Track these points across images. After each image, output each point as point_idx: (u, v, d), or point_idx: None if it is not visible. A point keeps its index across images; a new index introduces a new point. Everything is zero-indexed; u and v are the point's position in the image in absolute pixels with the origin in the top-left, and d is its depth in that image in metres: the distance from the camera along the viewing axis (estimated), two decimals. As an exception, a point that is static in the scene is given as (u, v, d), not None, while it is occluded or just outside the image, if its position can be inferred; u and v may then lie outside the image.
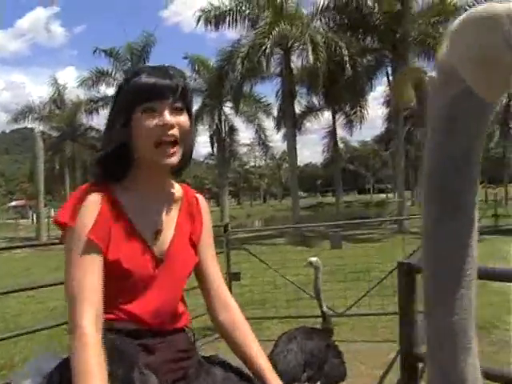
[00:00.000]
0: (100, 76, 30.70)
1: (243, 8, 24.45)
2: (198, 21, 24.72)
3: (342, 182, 36.99)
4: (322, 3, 24.71)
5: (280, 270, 7.72)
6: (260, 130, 32.80)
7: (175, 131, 1.56)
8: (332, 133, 31.24)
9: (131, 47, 30.38)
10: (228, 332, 1.79)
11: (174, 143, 1.57)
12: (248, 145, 60.10)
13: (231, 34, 26.97)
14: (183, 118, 1.60)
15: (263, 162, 66.15)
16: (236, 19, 24.60)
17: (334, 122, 30.66)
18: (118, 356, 1.47)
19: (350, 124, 30.59)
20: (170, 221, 1.72)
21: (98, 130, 35.75)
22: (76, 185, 35.56)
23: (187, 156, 1.68)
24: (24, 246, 8.57)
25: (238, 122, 33.09)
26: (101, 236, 1.55)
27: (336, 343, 3.93)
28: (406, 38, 23.53)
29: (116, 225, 1.60)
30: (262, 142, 33.74)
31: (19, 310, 8.84)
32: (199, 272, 1.83)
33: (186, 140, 1.62)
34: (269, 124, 32.21)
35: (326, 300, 6.69)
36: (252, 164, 78.95)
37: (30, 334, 5.53)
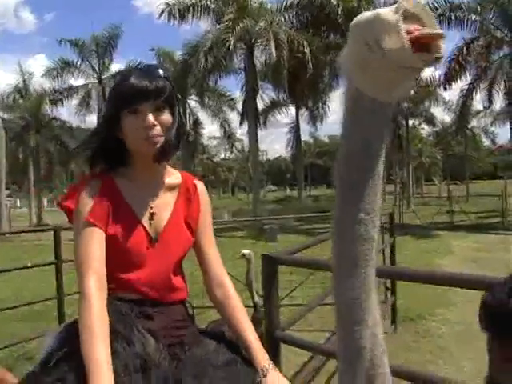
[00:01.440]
0: (65, 66, 30.43)
1: (207, 2, 24.56)
2: (161, 14, 24.72)
3: (311, 176, 37.19)
4: (285, 0, 25.07)
5: (228, 263, 7.98)
6: (225, 124, 33.03)
7: (157, 129, 1.75)
8: (295, 128, 31.50)
9: (97, 38, 30.26)
10: (221, 307, 1.94)
11: (159, 137, 1.76)
12: (218, 138, 60.06)
13: (205, 26, 26.95)
14: (165, 116, 1.77)
15: (233, 155, 66.17)
16: (200, 13, 24.73)
17: (297, 118, 31.06)
18: (120, 317, 1.67)
19: (313, 119, 30.99)
20: (166, 205, 1.90)
21: (63, 121, 35.60)
22: (40, 175, 35.15)
23: (169, 146, 1.80)
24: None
25: (205, 116, 33.21)
26: (99, 216, 1.75)
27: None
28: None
29: (114, 207, 1.80)
30: (228, 135, 33.99)
31: (-31, 299, 8.93)
32: (198, 253, 2.00)
33: (168, 133, 1.78)
34: (235, 117, 32.42)
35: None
36: (222, 157, 78.93)
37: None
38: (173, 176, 1.96)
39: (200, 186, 2.02)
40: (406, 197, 35.93)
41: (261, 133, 26.33)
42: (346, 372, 1.15)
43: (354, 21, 0.92)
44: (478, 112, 39.00)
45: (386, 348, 1.14)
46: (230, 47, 22.38)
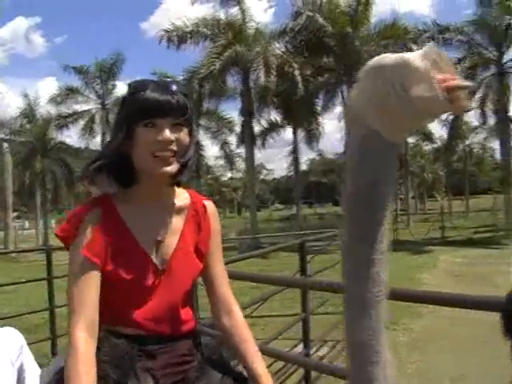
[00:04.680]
0: (69, 93, 31.17)
1: (204, 29, 25.23)
2: (161, 40, 25.45)
3: (317, 194, 37.16)
4: (280, 26, 25.71)
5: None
6: (225, 146, 33.69)
7: (174, 146, 1.60)
8: (293, 148, 31.89)
9: (100, 65, 30.98)
10: (227, 335, 1.81)
11: (172, 155, 1.61)
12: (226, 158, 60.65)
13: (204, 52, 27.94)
14: (182, 134, 1.62)
15: (239, 174, 66.73)
16: (197, 40, 25.52)
17: (295, 138, 31.30)
18: (117, 360, 1.58)
19: (309, 140, 31.25)
20: (173, 231, 1.74)
21: (67, 145, 36.20)
22: (47, 198, 35.84)
23: (185, 168, 1.67)
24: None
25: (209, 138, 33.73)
26: (97, 252, 1.61)
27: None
28: (358, 59, 24.54)
29: (116, 238, 1.66)
30: (228, 156, 34.69)
31: (-27, 315, 9.51)
32: (206, 277, 1.86)
33: (185, 154, 1.64)
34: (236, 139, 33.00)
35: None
36: (229, 176, 79.32)
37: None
38: (181, 197, 1.81)
39: (210, 206, 1.87)
40: (407, 213, 36.29)
41: (270, 152, 26.85)
42: None
43: (375, 63, 0.94)
44: (476, 128, 39.36)
45: None
46: (214, 72, 23.10)
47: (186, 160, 1.65)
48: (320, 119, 30.32)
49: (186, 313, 1.78)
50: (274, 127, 31.09)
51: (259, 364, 1.72)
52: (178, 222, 1.76)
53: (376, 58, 0.94)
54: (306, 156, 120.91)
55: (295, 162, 31.98)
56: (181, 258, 1.73)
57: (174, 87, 1.65)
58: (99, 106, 32.31)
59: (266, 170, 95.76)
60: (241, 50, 23.72)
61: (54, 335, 6.24)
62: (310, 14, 24.40)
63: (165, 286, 1.69)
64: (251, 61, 24.14)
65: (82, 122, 32.61)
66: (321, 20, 24.25)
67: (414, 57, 0.88)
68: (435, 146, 48.96)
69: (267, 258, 16.73)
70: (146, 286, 1.66)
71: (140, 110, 1.59)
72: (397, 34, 24.69)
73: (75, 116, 32.25)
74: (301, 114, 28.10)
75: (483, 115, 27.34)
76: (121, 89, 32.61)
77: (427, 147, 52.97)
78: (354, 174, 0.99)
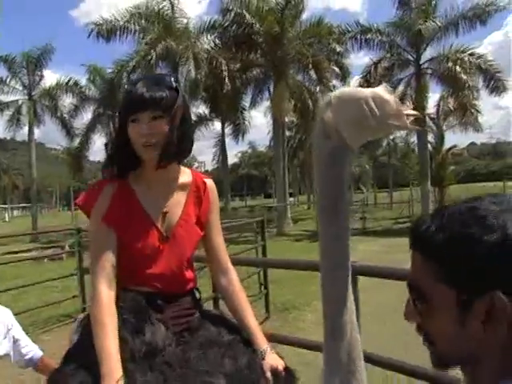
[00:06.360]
0: (-6, 83, 29.91)
1: (134, 25, 25.23)
2: (90, 34, 25.17)
3: (248, 186, 36.86)
4: (208, 21, 26.20)
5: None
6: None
7: (153, 137, 1.82)
8: (221, 142, 32.45)
9: (27, 55, 30.07)
10: (225, 293, 2.11)
11: (154, 145, 1.84)
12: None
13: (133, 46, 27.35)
14: (161, 125, 1.83)
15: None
16: (127, 34, 25.40)
17: (222, 132, 31.96)
18: (136, 308, 1.85)
19: (236, 133, 32.15)
20: (177, 204, 2.01)
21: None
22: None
23: (169, 152, 1.87)
24: None
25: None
26: (112, 219, 1.88)
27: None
28: (284, 57, 25.21)
29: (129, 208, 1.93)
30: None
31: None
32: (206, 243, 2.13)
33: (165, 141, 1.84)
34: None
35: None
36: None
37: None
38: (184, 175, 2.06)
39: (209, 183, 2.12)
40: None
41: (201, 144, 26.79)
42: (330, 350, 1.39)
43: (353, 93, 1.26)
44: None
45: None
46: (152, 61, 23.00)
47: (165, 147, 1.85)
48: (247, 113, 31.15)
49: (188, 273, 2.05)
50: (202, 120, 31.40)
51: (250, 317, 2.02)
52: (181, 197, 2.02)
53: (356, 89, 1.28)
54: (237, 149, 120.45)
55: (223, 154, 32.33)
56: (183, 226, 1.99)
57: (160, 81, 1.90)
58: (26, 96, 31.30)
59: (198, 162, 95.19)
60: (170, 44, 23.85)
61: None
62: (239, 10, 24.78)
63: (170, 251, 1.95)
64: (180, 54, 24.24)
65: (7, 113, 31.50)
66: (249, 17, 24.63)
67: (384, 92, 1.23)
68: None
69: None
70: (153, 250, 1.92)
71: (126, 108, 1.88)
72: (321, 34, 25.38)
73: (0, 106, 31.26)
74: (228, 108, 28.69)
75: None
76: (49, 79, 31.73)
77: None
78: (324, 169, 1.31)
